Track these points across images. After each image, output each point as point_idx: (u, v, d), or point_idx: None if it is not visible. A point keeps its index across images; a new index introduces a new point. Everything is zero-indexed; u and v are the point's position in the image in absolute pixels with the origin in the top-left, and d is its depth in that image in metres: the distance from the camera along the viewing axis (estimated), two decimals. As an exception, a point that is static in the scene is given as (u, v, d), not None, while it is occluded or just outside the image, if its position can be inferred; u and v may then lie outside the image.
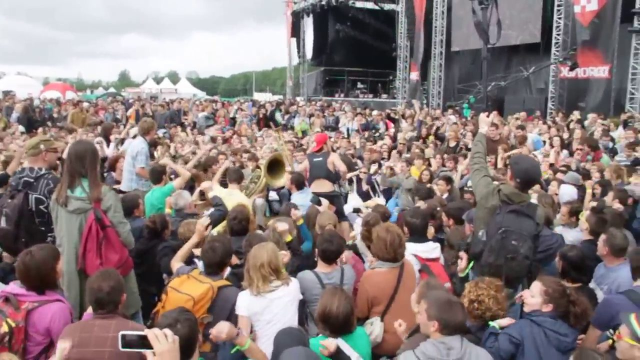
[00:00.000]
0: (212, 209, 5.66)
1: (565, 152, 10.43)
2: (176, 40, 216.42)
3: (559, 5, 19.41)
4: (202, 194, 6.63)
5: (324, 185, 8.00)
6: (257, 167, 9.26)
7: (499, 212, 4.14)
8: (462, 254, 4.63)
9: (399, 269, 4.26)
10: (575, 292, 3.53)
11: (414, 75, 27.85)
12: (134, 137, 8.91)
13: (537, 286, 3.45)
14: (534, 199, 5.49)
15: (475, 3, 6.02)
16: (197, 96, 47.65)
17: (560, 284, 3.49)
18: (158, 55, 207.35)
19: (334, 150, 10.00)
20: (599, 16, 17.32)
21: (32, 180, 4.80)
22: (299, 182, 7.47)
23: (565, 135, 11.67)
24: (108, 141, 10.71)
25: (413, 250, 4.67)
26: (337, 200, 7.95)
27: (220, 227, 5.49)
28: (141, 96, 44.65)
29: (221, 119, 18.79)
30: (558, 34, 19.50)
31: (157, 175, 6.89)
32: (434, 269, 4.62)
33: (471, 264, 4.52)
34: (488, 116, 5.11)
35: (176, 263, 4.40)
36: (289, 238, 4.99)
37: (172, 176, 7.72)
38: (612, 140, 11.35)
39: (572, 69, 18.17)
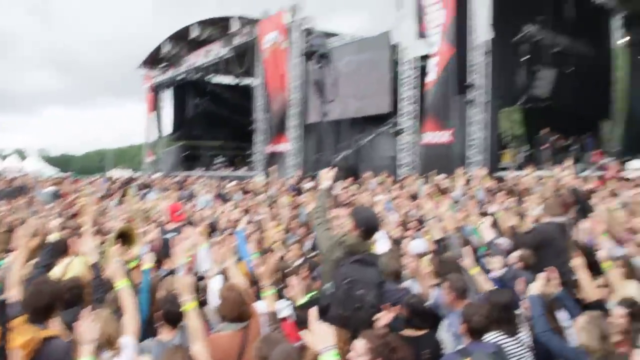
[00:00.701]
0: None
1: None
2: (24, 116, 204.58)
3: (405, 78, 20.69)
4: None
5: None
6: (103, 242, 8.55)
7: (343, 263, 4.09)
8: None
9: (243, 332, 4.03)
10: (396, 340, 3.41)
11: (275, 148, 28.07)
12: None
13: (361, 344, 3.26)
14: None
15: (312, 63, 6.18)
16: (47, 174, 44.88)
17: (383, 335, 3.38)
18: (3, 132, 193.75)
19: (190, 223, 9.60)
20: (437, 85, 18.77)
21: None
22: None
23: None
24: None
25: (263, 309, 4.53)
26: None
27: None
28: (-18, 174, 41.33)
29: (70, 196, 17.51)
30: (405, 105, 20.69)
31: None
32: (285, 328, 4.42)
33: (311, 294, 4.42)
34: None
35: None
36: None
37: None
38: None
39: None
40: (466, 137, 18.51)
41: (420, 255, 6.05)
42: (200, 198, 16.58)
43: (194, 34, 31.72)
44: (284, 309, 4.56)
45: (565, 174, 10.69)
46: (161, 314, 4.21)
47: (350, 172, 20.74)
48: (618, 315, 4.08)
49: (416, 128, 20.55)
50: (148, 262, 5.26)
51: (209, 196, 16.57)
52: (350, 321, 3.84)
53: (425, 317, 4.44)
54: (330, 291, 4.06)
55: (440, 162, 18.85)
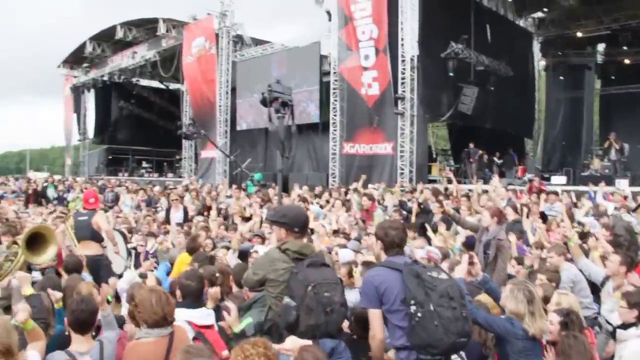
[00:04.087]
0: None
1: (345, 214, 10.84)
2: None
3: (334, 89, 20.79)
4: None
5: (89, 247, 7.42)
6: (15, 242, 7.98)
7: (296, 271, 3.77)
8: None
9: (167, 338, 3.66)
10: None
11: (206, 154, 27.59)
12: None
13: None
14: None
15: (271, 110, 6.04)
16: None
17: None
18: None
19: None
20: (380, 99, 18.99)
21: None
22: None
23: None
24: None
25: (187, 317, 4.16)
26: (103, 266, 7.37)
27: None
28: None
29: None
30: (335, 115, 20.79)
31: None
32: (209, 337, 4.15)
33: (247, 321, 4.07)
34: None
35: None
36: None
37: None
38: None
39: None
40: (397, 148, 18.77)
41: (348, 263, 6.09)
42: (124, 202, 16.10)
43: (120, 34, 30.73)
44: (209, 315, 4.32)
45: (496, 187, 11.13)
46: (69, 321, 3.87)
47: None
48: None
49: (343, 139, 20.67)
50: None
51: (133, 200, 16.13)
52: (324, 327, 3.59)
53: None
54: (292, 304, 3.67)
55: (370, 172, 19.13)
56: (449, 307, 3.40)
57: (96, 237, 7.65)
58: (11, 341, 3.10)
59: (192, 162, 29.47)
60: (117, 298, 6.15)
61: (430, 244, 7.91)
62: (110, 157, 37.69)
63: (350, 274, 5.74)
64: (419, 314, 3.39)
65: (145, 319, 3.69)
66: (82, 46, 34.08)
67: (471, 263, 4.39)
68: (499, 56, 20.91)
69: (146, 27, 30.23)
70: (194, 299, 4.38)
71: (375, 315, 3.67)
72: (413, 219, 9.75)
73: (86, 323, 3.86)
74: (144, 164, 36.12)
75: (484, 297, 4.57)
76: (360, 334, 4.18)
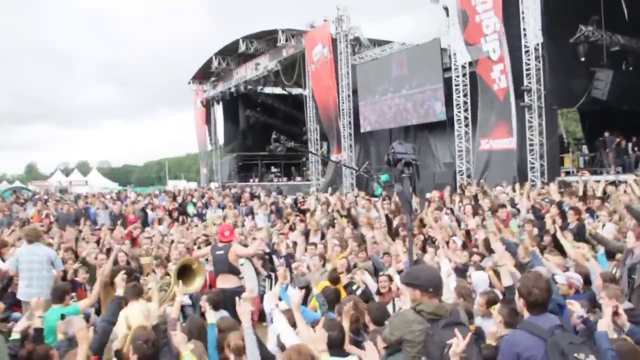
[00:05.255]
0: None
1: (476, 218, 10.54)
2: (86, 129, 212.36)
3: (456, 85, 20.49)
4: None
5: (228, 280, 7.76)
6: (167, 273, 8.76)
7: (431, 332, 3.87)
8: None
9: None
10: None
11: (335, 157, 27.94)
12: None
13: None
14: None
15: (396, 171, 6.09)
16: (109, 188, 46.35)
17: None
18: (67, 145, 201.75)
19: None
20: (508, 92, 18.45)
21: None
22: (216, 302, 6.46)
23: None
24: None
25: None
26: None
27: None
28: (49, 190, 42.95)
29: (131, 215, 17.87)
30: (459, 111, 20.47)
31: (60, 294, 6.24)
32: None
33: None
34: None
35: None
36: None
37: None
38: (518, 210, 11.69)
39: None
40: (527, 142, 18.15)
41: (486, 294, 5.87)
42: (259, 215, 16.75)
43: (242, 48, 32.15)
44: None
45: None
46: None
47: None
48: None
49: (470, 135, 20.33)
50: (212, 317, 5.30)
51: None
52: None
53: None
54: None
55: (501, 168, 18.64)
56: None
57: (233, 271, 8.01)
58: None
59: (318, 166, 30.11)
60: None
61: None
62: (240, 163, 39.61)
63: (488, 305, 5.58)
64: None
65: None
66: (209, 62, 36.05)
67: (615, 313, 4.21)
68: (638, 32, 19.42)
69: (266, 39, 31.41)
70: (338, 348, 4.52)
71: None
72: (549, 226, 9.16)
73: None
74: (273, 169, 37.54)
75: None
76: None
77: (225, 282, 7.82)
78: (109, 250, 9.89)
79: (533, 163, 18.11)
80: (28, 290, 7.53)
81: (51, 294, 6.44)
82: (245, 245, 9.51)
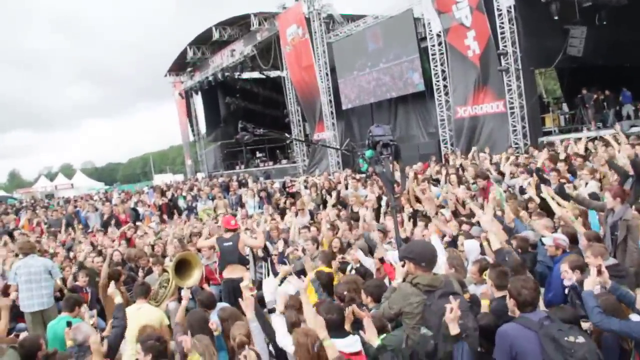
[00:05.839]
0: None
1: (462, 187, 10.68)
2: (66, 131, 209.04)
3: (432, 54, 20.53)
4: None
5: (236, 271, 7.78)
6: (164, 270, 8.82)
7: (429, 302, 4.06)
8: None
9: None
10: None
11: (318, 135, 27.96)
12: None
13: None
14: None
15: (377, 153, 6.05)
16: (95, 189, 46.10)
17: None
18: (49, 149, 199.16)
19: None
20: (484, 58, 18.60)
21: None
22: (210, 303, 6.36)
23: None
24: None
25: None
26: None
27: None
28: (35, 196, 42.67)
29: (122, 215, 17.85)
30: (438, 80, 20.54)
31: (72, 303, 6.26)
32: None
33: (383, 336, 4.38)
34: None
35: None
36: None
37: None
38: (502, 174, 11.71)
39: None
40: (507, 105, 18.29)
41: (478, 262, 5.98)
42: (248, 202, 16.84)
43: (216, 35, 31.93)
44: (356, 342, 4.46)
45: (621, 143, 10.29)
46: None
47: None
48: None
49: (449, 103, 20.45)
50: (217, 328, 5.37)
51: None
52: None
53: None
54: (429, 334, 3.98)
55: (481, 133, 18.80)
56: None
57: (243, 261, 8.07)
58: None
59: (303, 147, 30.08)
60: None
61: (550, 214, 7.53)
62: (225, 151, 39.53)
63: (481, 272, 5.69)
64: None
65: None
66: (184, 52, 35.79)
67: (599, 272, 4.34)
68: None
69: (239, 24, 31.25)
70: (338, 329, 4.54)
71: None
72: (532, 192, 9.08)
73: None
74: (258, 154, 37.46)
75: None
76: (487, 347, 4.26)
77: (233, 272, 7.84)
78: (102, 253, 10.00)
79: (515, 126, 18.26)
80: (30, 302, 7.73)
81: (63, 302, 6.59)
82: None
